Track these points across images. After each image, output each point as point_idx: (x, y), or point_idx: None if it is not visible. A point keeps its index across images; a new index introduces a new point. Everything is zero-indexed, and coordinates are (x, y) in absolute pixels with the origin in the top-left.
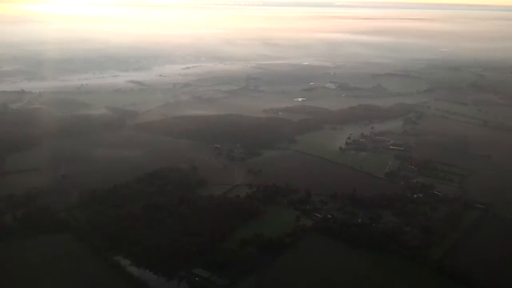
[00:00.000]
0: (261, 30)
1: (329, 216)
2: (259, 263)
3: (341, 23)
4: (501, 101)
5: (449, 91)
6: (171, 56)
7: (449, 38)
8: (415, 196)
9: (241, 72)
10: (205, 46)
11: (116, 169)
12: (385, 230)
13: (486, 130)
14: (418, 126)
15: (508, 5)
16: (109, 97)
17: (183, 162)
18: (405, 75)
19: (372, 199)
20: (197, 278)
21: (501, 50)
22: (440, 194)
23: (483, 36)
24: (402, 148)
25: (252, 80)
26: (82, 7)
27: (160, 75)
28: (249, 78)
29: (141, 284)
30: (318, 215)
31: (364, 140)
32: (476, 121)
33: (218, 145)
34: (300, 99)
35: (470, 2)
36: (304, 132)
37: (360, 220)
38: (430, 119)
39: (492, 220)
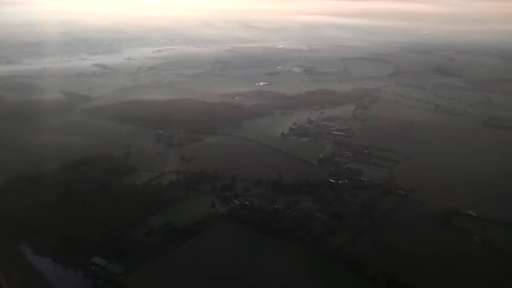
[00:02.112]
0: (246, 11)
1: (246, 203)
2: (159, 251)
3: (330, 4)
4: (462, 85)
5: (413, 75)
6: (146, 38)
7: (434, 20)
8: (340, 182)
9: (211, 56)
10: (184, 28)
11: (49, 155)
12: (297, 216)
13: (436, 114)
14: (368, 111)
15: None
16: (68, 81)
17: (118, 148)
18: (375, 59)
19: (295, 185)
20: (93, 267)
21: (481, 32)
22: (366, 180)
23: (469, 18)
24: (345, 133)
25: (219, 64)
26: None
27: (128, 59)
28: (217, 61)
29: (35, 273)
30: (237, 202)
31: (309, 125)
32: (429, 105)
33: (161, 131)
34: (261, 84)
35: None
36: (253, 118)
37: (276, 207)
38: (383, 104)
39: (408, 206)
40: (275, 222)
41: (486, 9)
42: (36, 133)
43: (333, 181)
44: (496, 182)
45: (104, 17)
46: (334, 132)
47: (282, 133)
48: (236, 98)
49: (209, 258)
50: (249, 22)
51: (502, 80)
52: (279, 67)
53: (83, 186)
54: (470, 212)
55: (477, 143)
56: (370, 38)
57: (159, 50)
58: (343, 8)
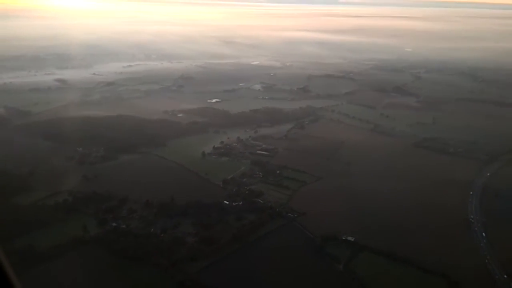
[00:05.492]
0: (236, 27)
1: (123, 226)
2: None
3: (326, 21)
4: (414, 105)
5: (370, 94)
6: (122, 53)
7: (424, 38)
8: (234, 204)
9: (179, 71)
10: (164, 43)
11: None
12: (166, 241)
13: (370, 135)
14: (303, 131)
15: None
16: (19, 96)
17: (25, 166)
18: (341, 77)
19: (183, 207)
20: None
21: (466, 50)
22: (261, 202)
23: (462, 35)
24: (268, 153)
25: (181, 80)
26: (87, 2)
27: (94, 74)
28: (181, 77)
29: None
30: (114, 224)
31: (236, 144)
32: (369, 125)
33: (80, 149)
34: (213, 101)
35: (478, 0)
36: (182, 136)
37: (152, 230)
38: (323, 123)
39: (289, 231)
40: (136, 247)
41: (485, 26)
42: None
43: (227, 203)
44: (392, 207)
45: (90, 32)
46: (258, 152)
47: (203, 152)
48: (179, 115)
49: (48, 285)
50: (232, 37)
51: (458, 100)
52: (242, 84)
53: None
54: (349, 238)
55: (397, 165)
56: (349, 55)
57: (130, 66)
58: (335, 25)
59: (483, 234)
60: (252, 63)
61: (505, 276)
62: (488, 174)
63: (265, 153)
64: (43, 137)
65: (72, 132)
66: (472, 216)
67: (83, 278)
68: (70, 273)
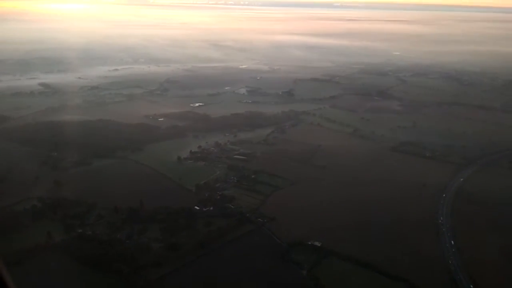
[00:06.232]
0: (227, 31)
1: (88, 232)
2: None
3: (319, 24)
4: (396, 108)
5: (353, 98)
6: (110, 57)
7: (413, 41)
8: (204, 209)
9: (165, 75)
10: (153, 47)
11: None
12: (131, 247)
13: (349, 139)
14: (283, 135)
15: (508, 6)
16: (0, 101)
17: None
18: (327, 80)
19: (152, 213)
20: None
21: (453, 54)
22: (232, 207)
23: (451, 38)
24: (245, 157)
25: (167, 84)
26: (78, 5)
27: (79, 78)
28: (167, 81)
29: None
30: (80, 230)
31: (214, 149)
32: (349, 129)
33: (55, 153)
34: (196, 105)
35: (473, 3)
36: (161, 140)
37: (118, 236)
38: (303, 128)
39: (257, 236)
40: (99, 254)
41: (477, 30)
42: None
43: (198, 208)
44: (362, 211)
45: (80, 35)
46: (235, 156)
47: (179, 157)
48: (160, 119)
49: None
50: (223, 41)
51: (441, 104)
52: (227, 88)
53: None
54: (316, 243)
55: (372, 169)
56: (337, 59)
57: (116, 69)
58: (327, 28)
59: (451, 239)
60: (240, 66)
61: (471, 286)
62: (462, 179)
63: (242, 157)
64: (20, 142)
65: (50, 137)
66: (442, 219)
67: (40, 285)
68: (28, 280)
